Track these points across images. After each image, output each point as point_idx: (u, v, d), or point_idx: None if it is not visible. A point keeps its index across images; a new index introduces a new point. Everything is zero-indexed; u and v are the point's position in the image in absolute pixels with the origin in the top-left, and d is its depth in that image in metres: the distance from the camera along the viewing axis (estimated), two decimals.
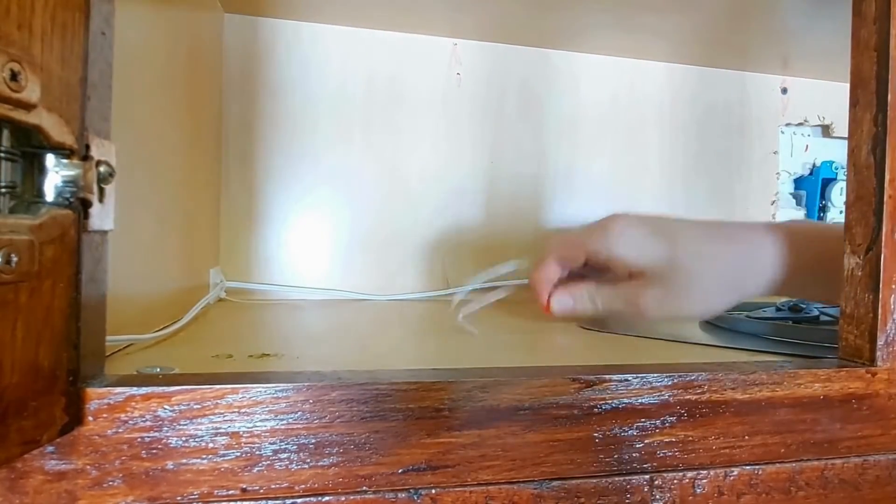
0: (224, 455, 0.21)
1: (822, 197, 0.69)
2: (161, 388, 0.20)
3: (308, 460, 0.21)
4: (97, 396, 0.20)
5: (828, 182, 0.69)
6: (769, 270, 0.39)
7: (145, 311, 0.34)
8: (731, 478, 0.26)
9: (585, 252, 0.42)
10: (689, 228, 0.42)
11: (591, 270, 0.44)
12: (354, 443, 0.22)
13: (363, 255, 0.57)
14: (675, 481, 0.25)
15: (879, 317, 0.27)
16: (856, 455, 0.28)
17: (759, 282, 0.39)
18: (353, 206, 0.57)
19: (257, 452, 0.21)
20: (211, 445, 0.21)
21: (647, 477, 0.25)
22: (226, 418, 0.21)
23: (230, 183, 0.54)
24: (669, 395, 0.25)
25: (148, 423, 0.20)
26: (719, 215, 0.67)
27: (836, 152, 0.71)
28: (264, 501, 0.21)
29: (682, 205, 0.66)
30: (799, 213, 0.70)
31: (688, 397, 0.25)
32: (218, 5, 0.52)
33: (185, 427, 0.21)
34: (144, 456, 0.20)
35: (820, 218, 0.70)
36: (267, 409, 0.21)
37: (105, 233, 0.21)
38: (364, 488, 0.22)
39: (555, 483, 0.24)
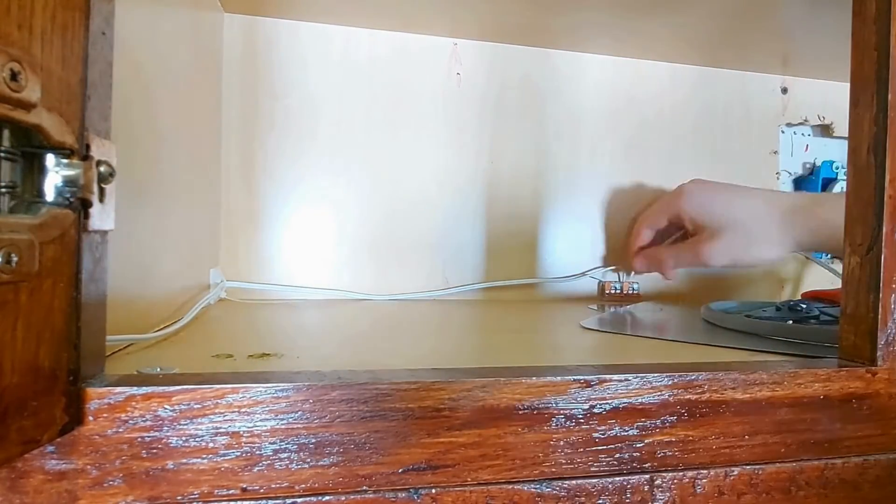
0: (224, 455, 0.21)
1: None
2: (161, 388, 0.20)
3: (308, 460, 0.21)
4: (97, 396, 0.20)
5: (828, 182, 0.69)
6: (808, 232, 0.49)
7: (145, 311, 0.34)
8: (732, 477, 0.26)
9: (667, 215, 0.54)
10: (748, 192, 0.52)
11: (674, 232, 0.57)
12: (354, 442, 0.22)
13: (363, 255, 0.57)
14: (675, 481, 0.25)
15: (879, 317, 0.27)
16: (856, 455, 0.28)
17: (801, 239, 0.49)
18: (353, 206, 0.57)
19: (257, 452, 0.21)
20: (211, 445, 0.21)
21: (647, 477, 0.25)
22: (226, 418, 0.21)
23: (230, 183, 0.54)
24: (669, 395, 0.25)
25: (148, 423, 0.20)
26: None
27: (836, 152, 0.71)
28: (264, 501, 0.21)
29: None
30: None
31: (688, 397, 0.25)
32: (218, 5, 0.52)
33: (185, 427, 0.21)
34: (145, 456, 0.20)
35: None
36: (267, 408, 0.21)
37: (105, 233, 0.21)
38: (364, 488, 0.22)
39: (555, 483, 0.24)
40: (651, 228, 0.57)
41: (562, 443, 0.24)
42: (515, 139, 0.61)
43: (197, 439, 0.21)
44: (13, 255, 0.17)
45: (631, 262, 0.58)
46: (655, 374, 0.25)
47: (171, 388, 0.20)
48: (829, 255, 0.68)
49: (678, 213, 0.53)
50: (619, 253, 0.62)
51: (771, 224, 0.50)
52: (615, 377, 0.24)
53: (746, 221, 0.50)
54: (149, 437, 0.20)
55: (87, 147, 0.20)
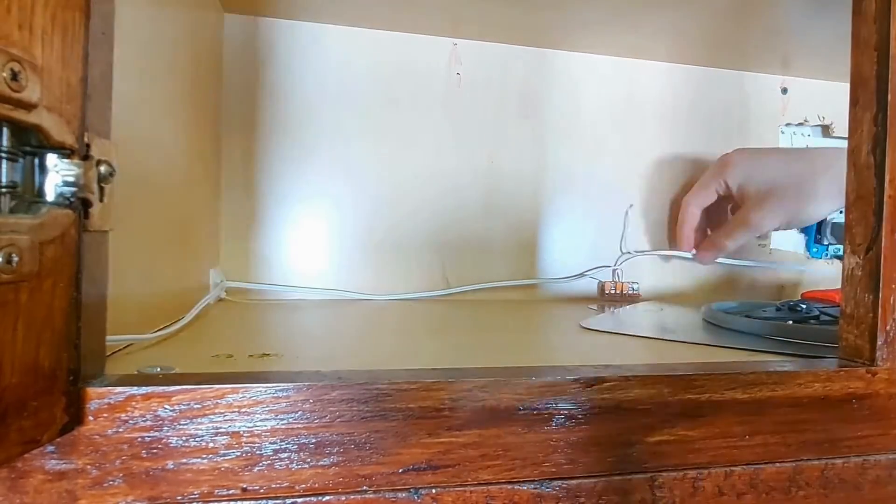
0: (224, 455, 0.21)
1: None
2: (161, 388, 0.20)
3: (308, 460, 0.21)
4: (97, 396, 0.20)
5: None
6: None
7: (145, 311, 0.34)
8: (732, 477, 0.26)
9: (714, 189, 0.55)
10: (792, 153, 0.53)
11: (724, 207, 0.58)
12: (355, 442, 0.22)
13: (363, 255, 0.57)
14: (675, 481, 0.25)
15: (879, 317, 0.27)
16: (856, 455, 0.28)
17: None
18: (353, 205, 0.57)
19: (257, 452, 0.21)
20: (211, 445, 0.21)
21: (647, 477, 0.25)
22: (226, 418, 0.21)
23: (230, 183, 0.54)
24: (669, 395, 0.25)
25: (148, 423, 0.20)
26: None
27: None
28: (265, 501, 0.21)
29: None
30: None
31: (688, 397, 0.25)
32: (218, 5, 0.52)
33: (185, 427, 0.21)
34: (145, 456, 0.20)
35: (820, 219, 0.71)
36: (267, 408, 0.21)
37: (105, 232, 0.21)
38: (364, 488, 0.22)
39: (555, 483, 0.24)
40: (699, 206, 0.57)
41: (562, 443, 0.24)
42: (515, 139, 0.61)
43: (197, 439, 0.21)
44: (13, 255, 0.17)
45: (682, 243, 0.58)
46: (655, 374, 0.25)
47: (171, 388, 0.20)
48: (826, 254, 0.68)
49: (725, 184, 0.54)
50: (671, 234, 0.63)
51: (820, 179, 0.50)
52: (615, 377, 0.24)
53: (795, 181, 0.51)
54: (149, 437, 0.20)
55: (88, 147, 0.20)
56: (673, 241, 0.62)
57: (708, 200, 0.56)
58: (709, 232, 0.60)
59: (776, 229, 0.54)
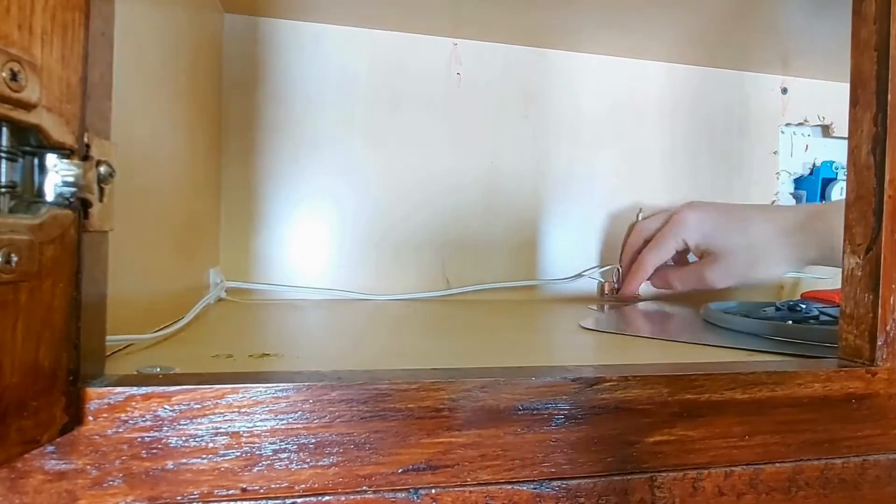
0: (224, 455, 0.21)
1: (822, 197, 0.69)
2: (161, 388, 0.20)
3: (308, 460, 0.21)
4: (97, 396, 0.20)
5: (828, 182, 0.69)
6: (811, 248, 0.51)
7: (145, 311, 0.34)
8: (732, 478, 0.26)
9: (674, 247, 0.57)
10: (747, 215, 0.54)
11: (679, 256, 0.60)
12: (354, 442, 0.22)
13: (363, 255, 0.57)
14: (675, 481, 0.25)
15: (879, 317, 0.27)
16: (856, 455, 0.28)
17: (804, 256, 0.51)
18: (353, 205, 0.57)
19: (257, 452, 0.21)
20: (211, 445, 0.21)
21: (647, 477, 0.25)
22: (226, 418, 0.21)
23: (230, 183, 0.54)
24: (669, 395, 0.25)
25: (148, 423, 0.20)
26: None
27: (836, 152, 0.71)
28: (264, 501, 0.21)
29: None
30: None
31: (688, 397, 0.25)
32: (218, 5, 0.52)
33: (185, 427, 0.21)
34: (144, 456, 0.20)
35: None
36: (267, 408, 0.21)
37: (105, 233, 0.21)
38: (364, 488, 0.22)
39: (555, 483, 0.24)
40: (656, 264, 0.58)
41: (562, 443, 0.24)
42: (515, 139, 0.61)
43: (197, 439, 0.21)
44: (13, 255, 0.17)
45: (631, 289, 0.59)
46: (655, 374, 0.25)
47: (171, 388, 0.20)
48: None
49: (684, 245, 0.56)
50: (621, 282, 0.61)
51: (773, 245, 0.52)
52: (615, 377, 0.24)
53: (749, 245, 0.53)
54: (149, 437, 0.20)
55: (87, 147, 0.20)
56: (624, 287, 0.60)
57: (666, 257, 0.58)
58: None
59: (729, 287, 0.56)
